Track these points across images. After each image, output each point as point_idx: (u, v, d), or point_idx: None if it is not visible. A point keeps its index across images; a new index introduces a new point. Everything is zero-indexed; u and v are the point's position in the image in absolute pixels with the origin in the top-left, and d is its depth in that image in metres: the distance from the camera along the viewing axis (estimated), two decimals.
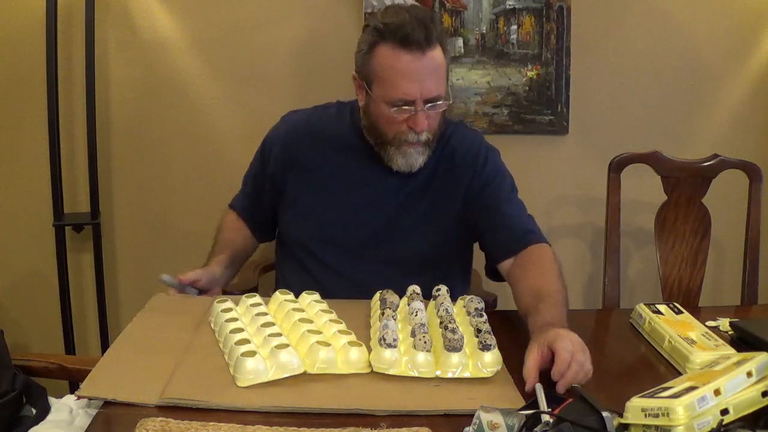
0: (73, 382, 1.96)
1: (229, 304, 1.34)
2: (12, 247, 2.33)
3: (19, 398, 1.35)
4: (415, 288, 1.39)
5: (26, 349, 2.33)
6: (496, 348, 1.17)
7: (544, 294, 1.33)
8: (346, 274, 1.57)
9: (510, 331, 1.41)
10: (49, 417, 1.35)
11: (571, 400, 0.98)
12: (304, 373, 1.14)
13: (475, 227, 1.58)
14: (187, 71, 2.28)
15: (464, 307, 1.34)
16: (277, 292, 1.39)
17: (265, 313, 1.30)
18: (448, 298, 1.35)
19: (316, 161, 1.61)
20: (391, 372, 1.15)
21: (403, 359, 1.16)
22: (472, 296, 1.35)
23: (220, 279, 1.58)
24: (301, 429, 0.99)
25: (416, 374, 1.15)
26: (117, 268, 2.39)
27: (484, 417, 0.93)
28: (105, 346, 2.30)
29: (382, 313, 1.26)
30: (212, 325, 1.31)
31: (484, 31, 2.28)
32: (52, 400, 1.40)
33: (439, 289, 1.38)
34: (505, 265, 1.52)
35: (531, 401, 1.03)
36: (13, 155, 2.29)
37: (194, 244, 2.16)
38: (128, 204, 2.35)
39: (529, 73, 2.30)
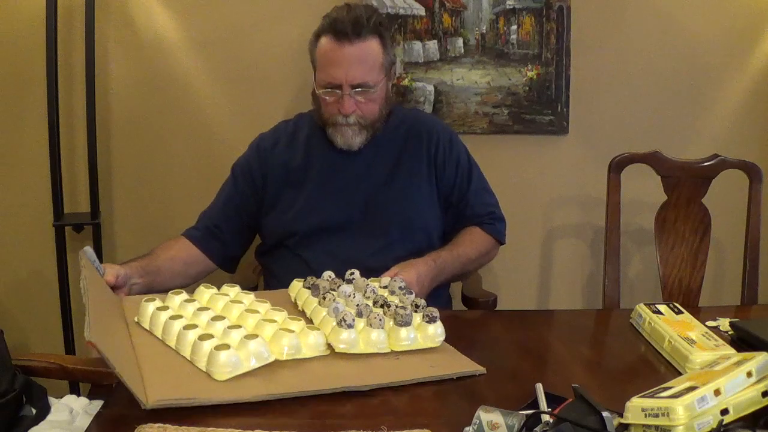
0: (73, 382, 1.97)
1: (160, 302, 1.31)
2: (12, 247, 2.33)
3: (19, 398, 1.35)
4: (353, 271, 1.47)
5: (26, 349, 2.33)
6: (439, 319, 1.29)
7: (452, 244, 1.69)
8: (338, 254, 1.64)
9: (510, 332, 1.41)
10: (49, 417, 1.35)
11: (571, 400, 0.98)
12: (275, 361, 1.16)
13: (446, 208, 1.77)
14: (187, 71, 2.28)
15: (387, 287, 1.42)
16: (201, 287, 1.39)
17: (206, 308, 1.29)
18: (368, 280, 1.44)
19: (288, 162, 1.74)
20: (353, 351, 1.21)
21: (360, 338, 1.23)
22: (391, 278, 1.46)
23: (130, 286, 1.51)
24: None
25: (375, 350, 1.23)
26: None
27: (484, 417, 0.93)
28: None
29: (323, 297, 1.31)
30: (146, 325, 1.28)
31: (484, 31, 2.28)
32: (52, 400, 1.41)
33: (353, 273, 1.46)
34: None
35: (531, 401, 1.03)
36: (13, 155, 2.29)
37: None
38: (128, 204, 2.35)
39: (529, 73, 2.30)
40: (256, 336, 1.16)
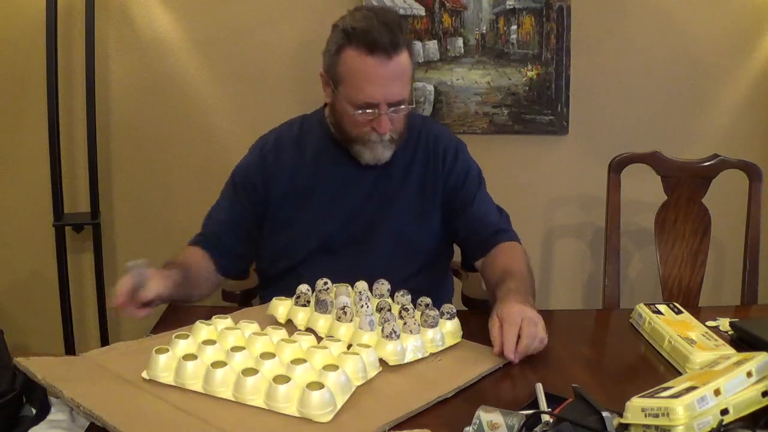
0: None
1: (169, 349, 1.13)
2: (12, 247, 2.34)
3: (19, 398, 1.35)
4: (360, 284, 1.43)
5: (26, 349, 2.33)
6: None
7: (511, 271, 1.46)
8: (338, 274, 1.51)
9: None
10: (49, 417, 1.35)
11: (571, 400, 0.98)
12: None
13: (449, 223, 1.65)
14: (187, 71, 2.28)
15: (376, 293, 1.41)
16: (198, 323, 1.23)
17: (240, 347, 1.14)
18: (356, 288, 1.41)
19: (293, 175, 1.62)
20: (405, 362, 1.19)
21: (398, 347, 1.20)
22: (377, 282, 1.42)
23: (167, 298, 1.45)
24: None
25: (420, 356, 1.21)
26: (117, 268, 2.39)
27: (484, 417, 0.92)
28: (105, 346, 2.29)
29: (344, 312, 1.27)
30: (168, 379, 1.09)
31: (484, 31, 2.28)
32: (52, 400, 1.41)
33: (326, 283, 1.42)
34: (478, 263, 1.63)
35: (531, 401, 1.03)
36: (13, 155, 2.29)
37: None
38: (128, 204, 2.35)
39: (529, 73, 2.30)
40: (336, 367, 1.07)
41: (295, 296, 1.36)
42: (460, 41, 2.28)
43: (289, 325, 1.33)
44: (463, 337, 1.31)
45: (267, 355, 1.10)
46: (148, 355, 1.11)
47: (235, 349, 1.12)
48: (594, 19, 2.30)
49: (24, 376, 1.40)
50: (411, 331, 1.22)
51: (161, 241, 2.36)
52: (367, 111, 1.47)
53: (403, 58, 1.46)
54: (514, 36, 2.28)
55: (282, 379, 1.03)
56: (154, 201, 2.35)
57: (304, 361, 1.08)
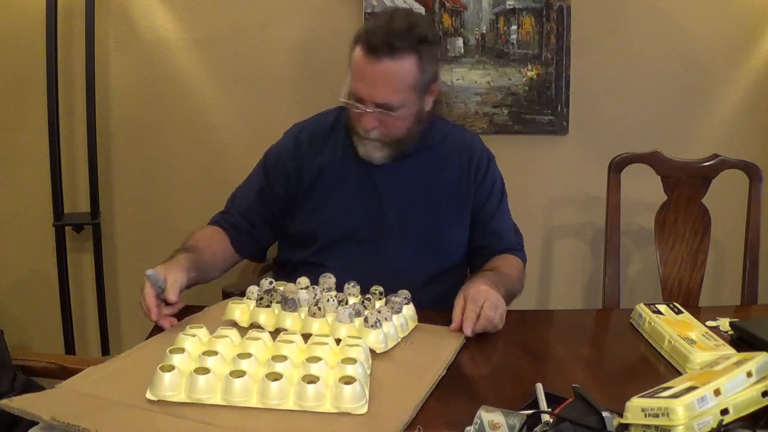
0: None
1: (182, 364, 1.09)
2: (12, 247, 2.34)
3: None
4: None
5: (26, 349, 2.33)
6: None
7: (497, 269, 1.57)
8: (360, 266, 1.55)
9: (510, 332, 1.41)
10: None
11: (571, 400, 0.98)
12: None
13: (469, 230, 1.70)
14: (187, 71, 2.28)
15: (324, 287, 1.45)
16: (180, 334, 1.19)
17: (247, 354, 1.12)
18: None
19: (325, 161, 1.65)
20: (388, 348, 1.25)
21: (380, 336, 1.25)
22: (322, 276, 1.46)
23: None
24: None
25: (394, 343, 1.27)
26: (117, 268, 2.39)
27: (486, 417, 0.93)
28: (105, 346, 2.30)
29: (318, 308, 1.30)
30: (181, 397, 1.05)
31: (484, 31, 2.28)
32: None
33: (271, 282, 1.44)
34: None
35: (531, 401, 1.03)
36: (13, 155, 2.29)
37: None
38: (128, 204, 2.35)
39: (529, 73, 2.30)
40: (354, 360, 1.09)
41: (257, 297, 1.36)
42: (460, 41, 2.28)
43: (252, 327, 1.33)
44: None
45: (279, 358, 1.09)
46: (134, 375, 1.10)
47: (242, 356, 1.10)
48: (594, 19, 2.30)
49: (25, 377, 1.40)
50: (386, 318, 1.27)
51: (161, 241, 2.36)
52: (356, 104, 1.53)
53: (400, 65, 1.48)
54: (514, 36, 2.28)
55: (310, 377, 1.03)
56: (154, 201, 2.35)
57: (318, 359, 1.09)
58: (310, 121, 1.73)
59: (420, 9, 2.23)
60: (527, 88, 2.31)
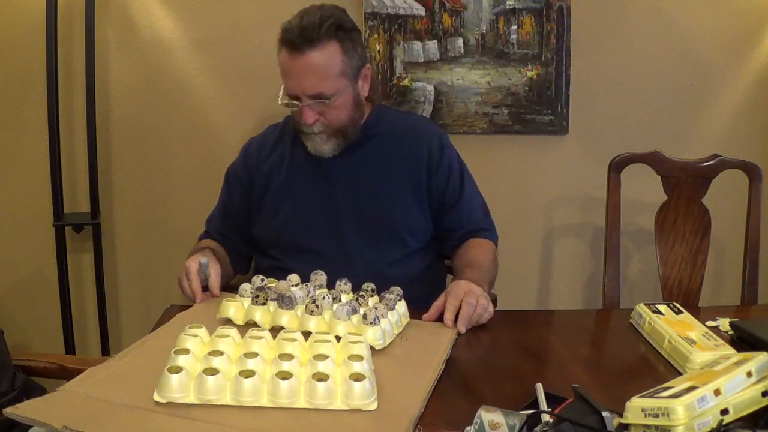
0: None
1: (189, 365, 1.07)
2: (12, 247, 2.34)
3: (19, 398, 1.35)
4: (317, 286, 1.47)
5: (26, 349, 2.33)
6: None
7: (473, 263, 1.59)
8: (324, 263, 1.57)
9: (510, 332, 1.41)
10: None
11: (571, 400, 0.98)
12: None
13: (434, 215, 1.73)
14: (187, 71, 2.28)
15: (315, 284, 1.46)
16: (182, 335, 1.18)
17: (254, 354, 1.12)
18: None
19: (273, 168, 1.73)
20: (386, 345, 1.26)
21: (378, 333, 1.26)
22: (314, 274, 1.48)
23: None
24: None
25: (390, 339, 1.28)
26: (117, 268, 2.39)
27: (486, 417, 0.93)
28: (105, 346, 2.30)
29: (316, 305, 1.30)
30: (190, 398, 1.04)
31: (484, 31, 2.28)
32: None
33: (263, 280, 1.46)
34: (451, 254, 1.74)
35: (531, 401, 1.03)
36: (13, 155, 2.29)
37: (194, 244, 2.16)
38: (128, 204, 2.35)
39: (529, 73, 2.30)
40: (360, 357, 1.10)
41: (253, 295, 1.36)
42: (460, 41, 2.28)
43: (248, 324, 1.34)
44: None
45: (286, 357, 1.09)
46: (138, 376, 1.10)
47: (249, 355, 1.10)
48: (594, 19, 2.30)
49: (24, 376, 1.40)
50: (383, 315, 1.28)
51: (161, 241, 2.36)
52: (292, 102, 1.58)
53: (322, 53, 1.53)
54: (514, 36, 2.28)
55: (319, 375, 1.04)
56: (154, 201, 2.35)
57: (325, 356, 1.09)
58: (260, 134, 1.82)
59: (420, 9, 2.24)
60: (527, 88, 2.31)
